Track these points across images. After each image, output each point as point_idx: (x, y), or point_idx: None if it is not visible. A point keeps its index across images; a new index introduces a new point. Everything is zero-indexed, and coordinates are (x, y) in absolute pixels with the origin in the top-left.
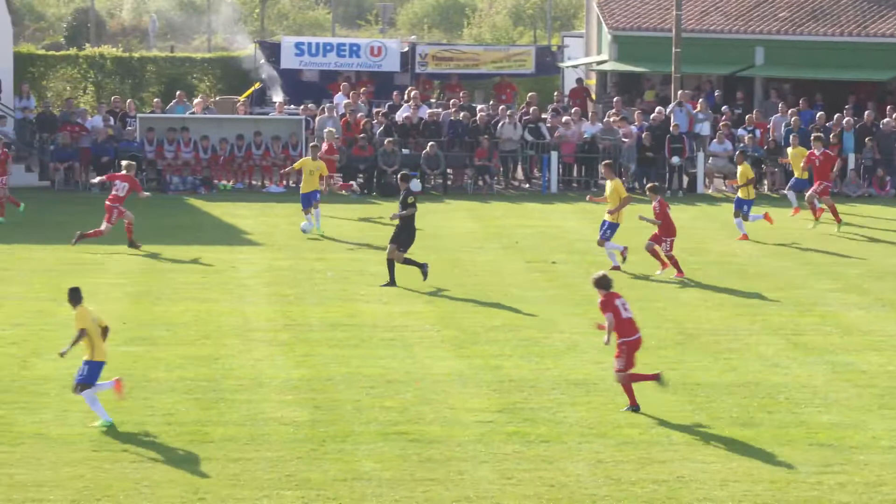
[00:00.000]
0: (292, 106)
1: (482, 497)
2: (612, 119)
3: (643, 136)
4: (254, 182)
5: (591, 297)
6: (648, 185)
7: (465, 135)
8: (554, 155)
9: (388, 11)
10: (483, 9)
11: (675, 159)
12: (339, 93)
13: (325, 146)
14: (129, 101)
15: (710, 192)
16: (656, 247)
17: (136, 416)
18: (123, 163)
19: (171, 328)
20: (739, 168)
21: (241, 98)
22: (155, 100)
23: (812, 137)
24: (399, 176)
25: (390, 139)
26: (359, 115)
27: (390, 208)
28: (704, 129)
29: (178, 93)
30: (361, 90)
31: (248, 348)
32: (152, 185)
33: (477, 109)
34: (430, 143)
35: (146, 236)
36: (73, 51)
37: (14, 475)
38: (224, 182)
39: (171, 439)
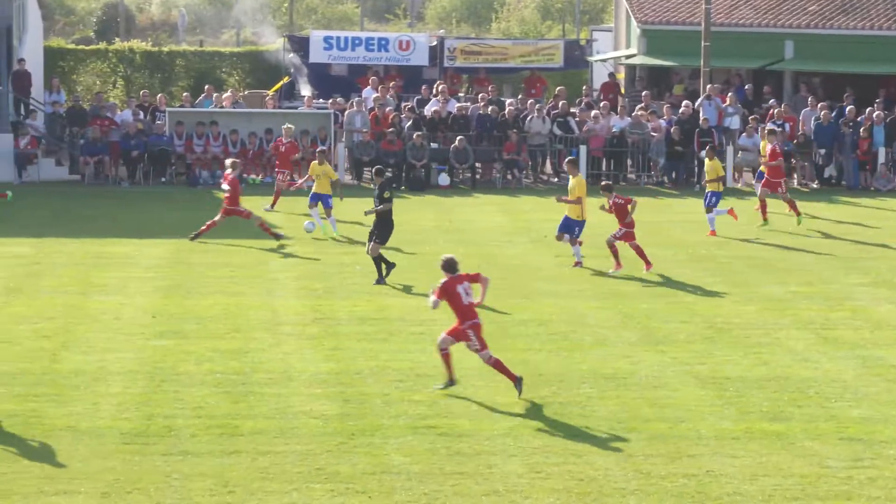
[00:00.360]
0: (321, 100)
1: (511, 491)
2: (640, 113)
3: (672, 130)
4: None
5: (620, 291)
6: (602, 184)
7: (493, 129)
8: (583, 149)
9: (417, 5)
10: (511, 3)
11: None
12: (368, 87)
13: (283, 143)
14: (159, 95)
15: (738, 186)
16: (618, 243)
17: (166, 409)
18: (227, 161)
19: (201, 322)
20: (709, 163)
21: (270, 92)
22: (184, 94)
23: (767, 131)
24: (374, 170)
25: (419, 133)
26: (387, 109)
27: (419, 202)
28: (734, 122)
29: (206, 87)
30: (390, 84)
31: (278, 342)
32: (181, 179)
33: (506, 103)
34: (458, 138)
35: (175, 230)
36: (102, 45)
37: (45, 467)
38: (253, 176)
39: (200, 432)
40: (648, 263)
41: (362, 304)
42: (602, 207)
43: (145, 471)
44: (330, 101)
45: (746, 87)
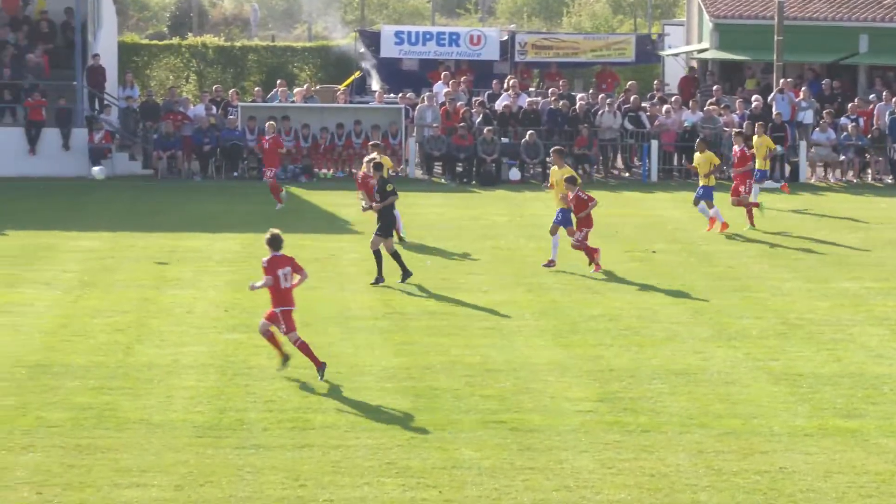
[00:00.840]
0: (392, 95)
1: (582, 486)
2: (712, 108)
3: (744, 124)
4: (354, 170)
5: (691, 286)
6: (566, 177)
7: (564, 123)
8: (654, 144)
9: (488, 0)
10: None
11: (778, 148)
12: (439, 81)
13: (267, 140)
14: (231, 90)
15: (812, 181)
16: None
17: (237, 403)
18: (367, 158)
19: None
20: (699, 156)
21: (342, 87)
22: (256, 89)
23: (734, 133)
24: (371, 165)
25: (489, 128)
26: (458, 103)
27: (490, 197)
28: (807, 117)
29: (278, 81)
30: (461, 79)
31: (348, 336)
32: (253, 173)
33: (576, 98)
34: (529, 132)
35: (247, 224)
36: (175, 40)
37: (119, 460)
38: (325, 171)
39: (272, 426)
40: (598, 265)
41: (432, 299)
42: (563, 197)
43: (218, 464)
44: (400, 95)
45: (823, 81)
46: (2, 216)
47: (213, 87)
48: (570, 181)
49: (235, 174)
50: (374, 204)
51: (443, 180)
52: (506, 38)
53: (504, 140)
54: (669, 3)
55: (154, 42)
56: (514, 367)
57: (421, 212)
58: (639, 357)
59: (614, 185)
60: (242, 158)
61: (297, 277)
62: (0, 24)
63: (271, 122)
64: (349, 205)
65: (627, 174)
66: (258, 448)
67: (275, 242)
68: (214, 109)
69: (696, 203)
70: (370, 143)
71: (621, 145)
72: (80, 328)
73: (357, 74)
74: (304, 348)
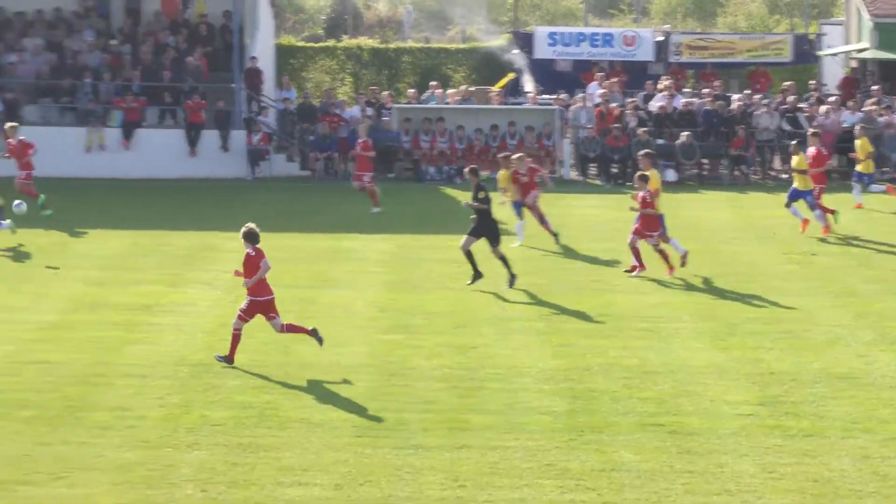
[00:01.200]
0: (546, 96)
1: (744, 490)
2: (872, 108)
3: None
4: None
5: (852, 289)
6: (638, 175)
7: (720, 124)
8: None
9: (642, 1)
10: None
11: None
12: (593, 82)
13: (360, 143)
14: (385, 92)
15: None
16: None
17: (396, 403)
18: (515, 156)
19: (428, 316)
20: (797, 158)
21: (496, 88)
22: (410, 90)
23: (811, 134)
24: (468, 170)
25: (644, 129)
26: (612, 105)
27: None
28: None
29: (431, 83)
30: (615, 80)
31: (504, 337)
32: (408, 174)
33: (732, 99)
34: (684, 133)
35: (401, 225)
36: (331, 42)
37: (281, 458)
38: (485, 172)
39: (431, 426)
40: (634, 267)
41: (588, 300)
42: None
43: (377, 464)
44: (554, 96)
45: None
46: (164, 217)
47: (369, 89)
48: (643, 179)
49: (391, 175)
50: (472, 203)
51: (598, 181)
52: (661, 38)
53: (659, 141)
54: (827, 3)
55: (310, 44)
56: (672, 369)
57: (576, 213)
58: (800, 360)
59: (772, 186)
60: (397, 160)
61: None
62: (160, 28)
63: (362, 125)
64: (504, 206)
65: (785, 175)
66: (417, 448)
67: (251, 237)
68: (369, 111)
69: (812, 209)
70: (500, 156)
71: (779, 146)
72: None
73: (511, 76)
74: (293, 329)
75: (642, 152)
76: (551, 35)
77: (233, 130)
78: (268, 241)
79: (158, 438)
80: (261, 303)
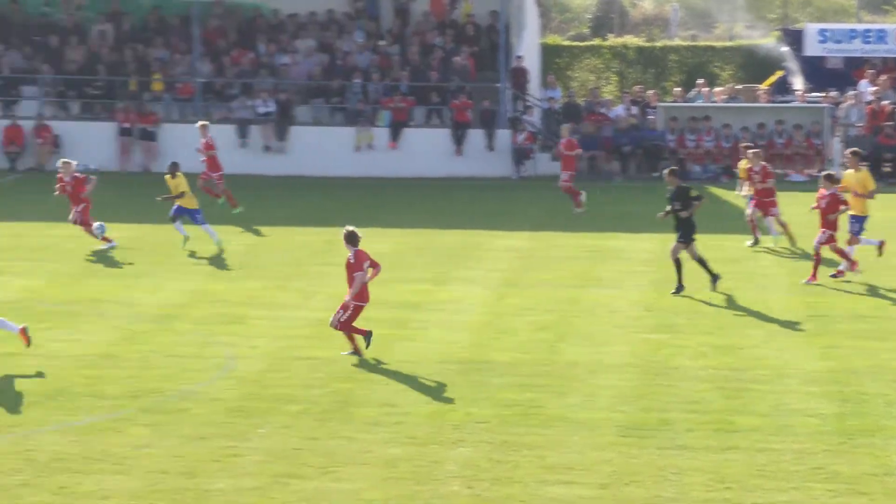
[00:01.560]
0: (815, 93)
1: None
2: None
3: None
4: (776, 171)
5: None
6: (825, 173)
7: None
8: None
9: None
10: None
11: None
12: (864, 80)
13: (563, 142)
14: (650, 91)
15: None
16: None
17: (660, 403)
18: (751, 152)
19: (692, 317)
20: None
21: (764, 86)
22: (676, 89)
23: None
24: (668, 170)
25: None
26: (885, 102)
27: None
28: None
29: (698, 81)
30: (887, 77)
31: (770, 338)
32: None
33: None
34: None
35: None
36: (597, 41)
37: (545, 457)
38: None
39: (696, 427)
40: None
41: (861, 302)
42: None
43: (642, 464)
44: (824, 94)
45: None
46: (430, 215)
47: (634, 88)
48: (829, 178)
49: (656, 175)
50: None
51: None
52: None
53: None
54: None
55: (575, 43)
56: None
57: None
58: None
59: None
60: (662, 158)
61: (370, 272)
62: (428, 28)
63: (565, 125)
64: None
65: None
66: (682, 449)
67: (352, 239)
68: (634, 110)
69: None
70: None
71: None
72: (506, 325)
73: (779, 74)
74: (350, 333)
75: (849, 150)
76: (822, 32)
77: (498, 129)
78: (531, 240)
79: (425, 435)
80: (362, 307)
